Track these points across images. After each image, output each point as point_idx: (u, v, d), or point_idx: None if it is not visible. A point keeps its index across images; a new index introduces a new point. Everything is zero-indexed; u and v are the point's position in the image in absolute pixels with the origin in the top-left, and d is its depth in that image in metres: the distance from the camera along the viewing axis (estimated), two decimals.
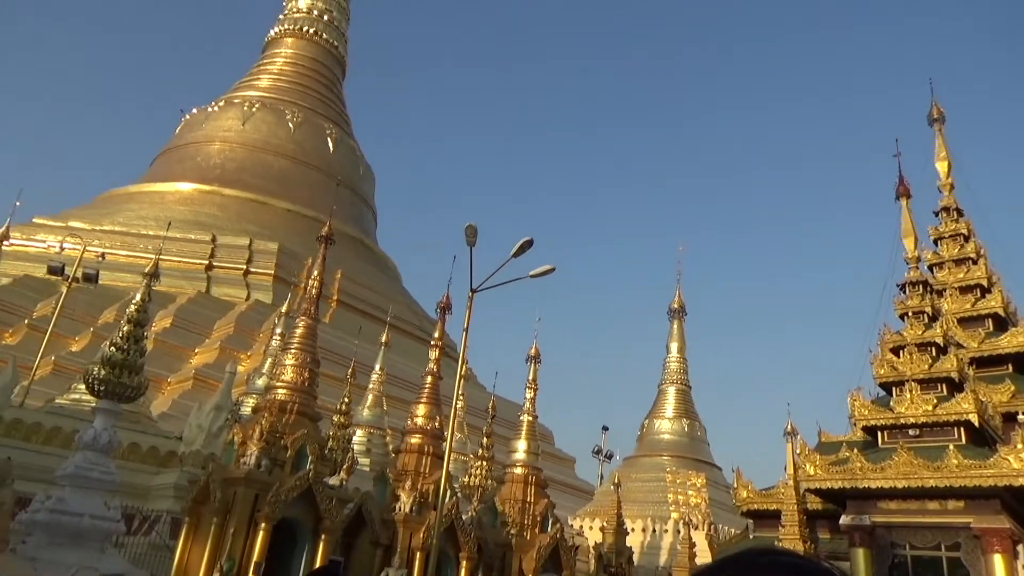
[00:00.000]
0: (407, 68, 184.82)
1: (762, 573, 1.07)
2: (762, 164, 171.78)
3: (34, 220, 45.82)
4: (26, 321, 36.15)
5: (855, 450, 19.96)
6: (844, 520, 19.77)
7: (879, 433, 20.99)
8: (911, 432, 20.17)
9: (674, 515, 41.92)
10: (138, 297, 11.90)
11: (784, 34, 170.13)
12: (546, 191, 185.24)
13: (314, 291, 17.04)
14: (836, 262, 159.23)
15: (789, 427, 22.32)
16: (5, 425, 18.98)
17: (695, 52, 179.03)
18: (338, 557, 14.49)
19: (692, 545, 28.43)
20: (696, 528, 36.62)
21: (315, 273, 17.27)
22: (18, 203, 37.69)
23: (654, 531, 41.27)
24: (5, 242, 28.87)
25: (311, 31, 63.77)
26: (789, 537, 20.86)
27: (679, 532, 36.86)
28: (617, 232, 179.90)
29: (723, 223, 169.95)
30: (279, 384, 16.08)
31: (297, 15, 64.52)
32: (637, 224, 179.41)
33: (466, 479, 22.89)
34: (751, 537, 26.10)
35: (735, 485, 25.66)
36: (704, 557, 28.07)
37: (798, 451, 21.49)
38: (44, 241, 41.34)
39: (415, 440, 18.33)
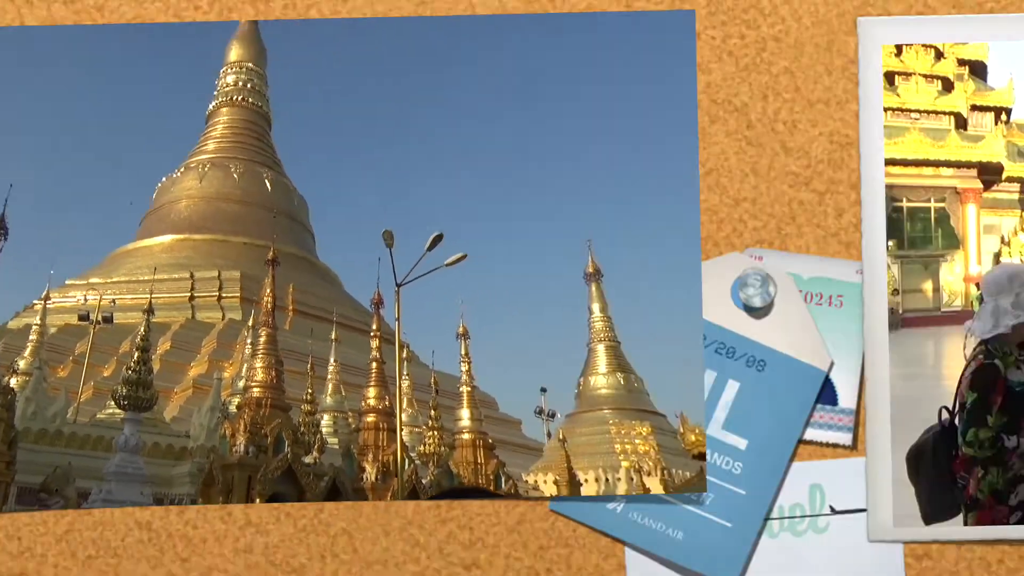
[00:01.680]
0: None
1: None
2: None
3: (66, 283, 49.08)
4: (70, 358, 39.79)
5: None
6: None
7: None
8: None
9: (624, 464, 46.69)
10: (142, 330, 15.26)
11: None
12: None
13: (268, 305, 20.60)
14: None
15: None
16: (65, 438, 22.24)
17: None
18: None
19: (647, 491, 32.54)
20: (649, 474, 41.38)
21: (267, 291, 20.89)
22: (52, 271, 41.36)
23: (607, 480, 45.70)
24: (48, 302, 32.33)
25: (239, 99, 67.61)
26: None
27: (632, 479, 41.56)
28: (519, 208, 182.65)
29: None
30: (253, 384, 19.47)
31: (227, 89, 68.10)
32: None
33: (422, 448, 26.78)
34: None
35: (681, 430, 29.78)
36: None
37: None
38: (74, 296, 44.96)
39: (370, 419, 21.86)
